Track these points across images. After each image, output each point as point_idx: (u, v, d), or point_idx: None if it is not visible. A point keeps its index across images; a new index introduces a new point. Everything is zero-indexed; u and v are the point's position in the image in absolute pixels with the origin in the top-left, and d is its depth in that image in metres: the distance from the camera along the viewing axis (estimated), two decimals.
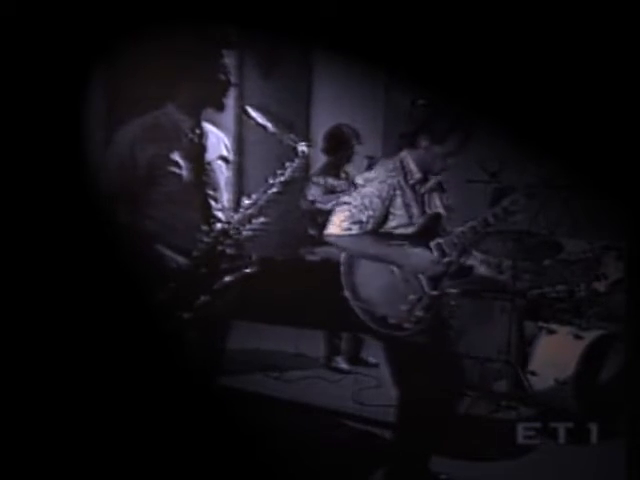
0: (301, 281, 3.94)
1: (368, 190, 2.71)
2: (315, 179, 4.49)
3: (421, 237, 2.72)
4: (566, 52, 2.51)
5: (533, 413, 3.60)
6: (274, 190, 2.50)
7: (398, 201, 2.72)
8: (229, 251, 2.51)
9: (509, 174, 3.64)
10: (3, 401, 2.35)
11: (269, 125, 2.48)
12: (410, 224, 2.73)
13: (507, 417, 3.58)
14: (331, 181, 4.47)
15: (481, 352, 3.87)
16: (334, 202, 4.35)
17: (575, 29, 2.48)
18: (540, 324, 3.84)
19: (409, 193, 2.73)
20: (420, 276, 2.69)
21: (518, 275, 3.93)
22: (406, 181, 2.74)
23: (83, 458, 2.39)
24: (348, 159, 4.52)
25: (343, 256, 2.73)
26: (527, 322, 3.91)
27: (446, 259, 2.69)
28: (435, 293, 2.69)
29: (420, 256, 2.69)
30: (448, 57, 2.65)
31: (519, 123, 2.73)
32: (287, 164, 2.51)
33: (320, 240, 4.34)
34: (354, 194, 2.73)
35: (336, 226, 2.69)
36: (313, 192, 4.46)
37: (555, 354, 3.68)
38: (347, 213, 2.68)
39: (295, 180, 2.52)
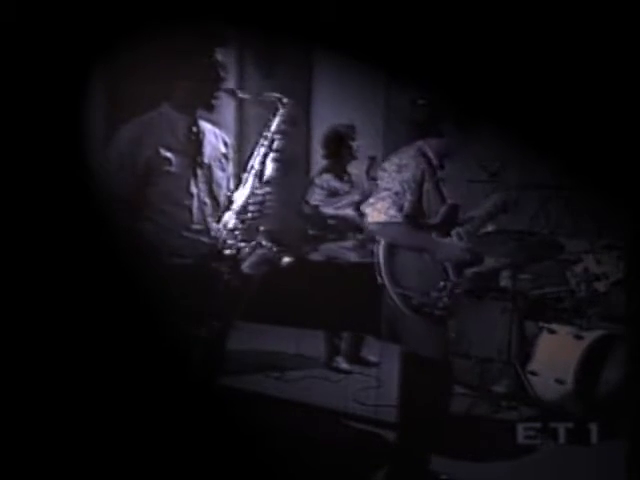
0: (301, 281, 3.94)
1: (406, 175, 2.76)
2: (318, 181, 4.45)
3: (444, 226, 2.81)
4: (567, 52, 2.51)
5: (533, 413, 3.59)
6: (264, 149, 2.50)
7: (425, 186, 2.80)
8: (230, 252, 2.50)
9: (509, 174, 3.64)
10: (6, 409, 2.35)
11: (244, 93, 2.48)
12: (432, 211, 2.81)
13: (507, 417, 3.58)
14: (333, 183, 4.43)
15: (481, 352, 3.88)
16: (337, 205, 4.35)
17: (575, 29, 2.47)
18: (541, 324, 3.84)
19: (432, 180, 2.81)
20: (446, 263, 2.77)
21: (518, 275, 3.93)
22: (432, 168, 2.81)
23: (83, 457, 2.39)
24: (350, 158, 4.48)
25: (382, 244, 2.78)
26: (528, 322, 3.91)
27: (467, 246, 2.79)
28: (459, 280, 2.78)
29: (448, 244, 2.79)
30: (448, 57, 2.65)
31: (520, 123, 2.72)
32: (270, 117, 2.52)
33: (321, 240, 4.38)
34: (389, 180, 2.77)
35: (382, 213, 2.74)
36: (316, 196, 4.42)
37: (555, 354, 3.68)
38: (390, 200, 2.73)
39: (284, 134, 2.52)
